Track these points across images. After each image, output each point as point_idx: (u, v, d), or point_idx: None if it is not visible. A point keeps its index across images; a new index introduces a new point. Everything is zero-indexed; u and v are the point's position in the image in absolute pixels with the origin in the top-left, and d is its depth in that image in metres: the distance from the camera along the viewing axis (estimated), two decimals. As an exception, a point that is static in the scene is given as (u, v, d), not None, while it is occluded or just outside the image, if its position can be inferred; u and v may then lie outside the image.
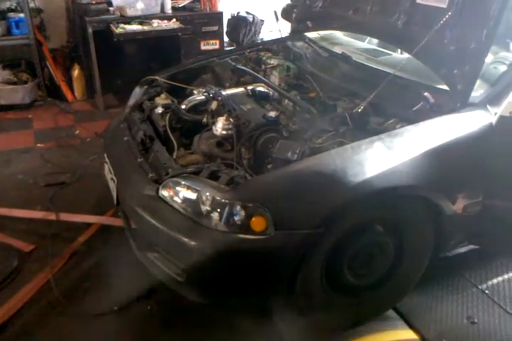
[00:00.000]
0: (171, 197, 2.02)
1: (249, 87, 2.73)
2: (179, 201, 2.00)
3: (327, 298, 2.12)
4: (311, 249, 1.91)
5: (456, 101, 2.17)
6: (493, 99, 2.20)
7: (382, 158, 1.99)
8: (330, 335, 2.19)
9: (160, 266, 2.04)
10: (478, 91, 2.23)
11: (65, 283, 2.50)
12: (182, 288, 2.01)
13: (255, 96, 2.69)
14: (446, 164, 2.09)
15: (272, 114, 2.31)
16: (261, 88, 2.74)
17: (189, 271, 1.92)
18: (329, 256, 2.01)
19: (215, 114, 2.48)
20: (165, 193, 2.05)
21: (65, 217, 2.94)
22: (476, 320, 2.29)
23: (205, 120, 2.50)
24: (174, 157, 2.28)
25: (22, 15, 4.55)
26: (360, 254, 2.11)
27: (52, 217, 2.97)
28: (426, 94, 2.26)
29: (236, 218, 1.86)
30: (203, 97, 2.62)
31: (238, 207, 1.85)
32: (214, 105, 2.52)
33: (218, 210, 1.88)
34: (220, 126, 2.32)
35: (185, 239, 1.88)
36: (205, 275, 1.94)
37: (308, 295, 2.05)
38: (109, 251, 2.71)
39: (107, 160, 2.57)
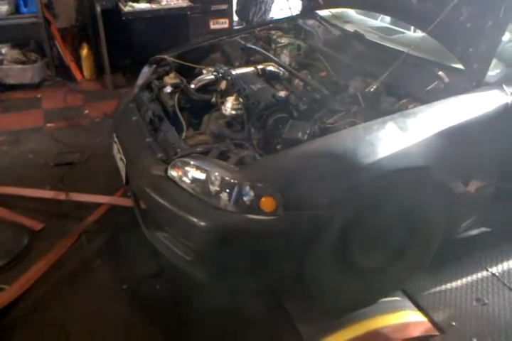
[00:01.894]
0: (180, 177, 2.01)
1: (259, 67, 2.69)
2: (188, 181, 1.98)
3: (337, 279, 2.11)
4: (321, 230, 1.89)
5: (472, 81, 2.12)
6: (509, 79, 2.15)
7: (394, 138, 1.95)
8: (339, 316, 2.19)
9: (169, 245, 2.04)
10: (494, 71, 2.18)
11: (75, 261, 2.51)
12: (190, 268, 2.01)
13: (265, 75, 2.65)
14: (460, 145, 2.05)
15: (282, 93, 2.27)
16: (271, 67, 2.70)
17: (198, 251, 1.92)
18: (339, 236, 1.99)
19: (224, 94, 2.45)
20: (174, 173, 2.03)
21: (75, 196, 2.94)
22: (486, 301, 2.28)
23: (214, 100, 2.48)
24: (183, 137, 2.26)
25: (30, -7, 4.50)
26: (371, 235, 2.09)
27: (62, 196, 2.97)
28: (440, 73, 2.21)
29: (245, 198, 1.84)
30: (213, 77, 2.59)
31: (247, 188, 1.83)
32: (223, 84, 2.49)
33: (227, 190, 1.86)
34: (229, 106, 2.29)
35: (194, 219, 1.87)
36: (214, 256, 1.93)
37: (317, 277, 2.04)
38: (118, 230, 2.72)
39: (116, 140, 2.55)
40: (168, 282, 2.38)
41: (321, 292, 2.11)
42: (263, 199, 1.82)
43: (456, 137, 2.04)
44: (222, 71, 2.54)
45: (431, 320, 2.19)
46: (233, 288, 2.11)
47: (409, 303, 2.27)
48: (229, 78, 2.47)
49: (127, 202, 2.71)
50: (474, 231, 2.42)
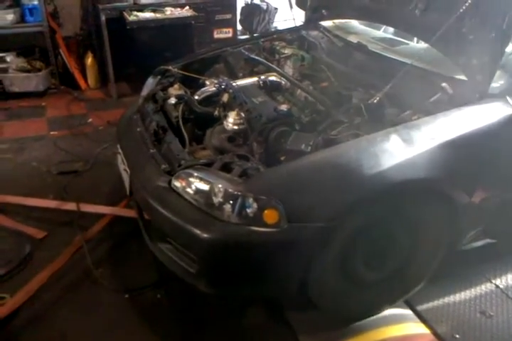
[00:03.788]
0: (184, 189, 2.01)
1: (262, 77, 2.69)
2: (192, 192, 1.98)
3: (340, 290, 2.10)
4: (324, 242, 1.89)
5: (475, 92, 2.13)
6: (513, 91, 2.15)
7: (398, 150, 1.95)
8: (341, 327, 2.18)
9: (172, 256, 2.03)
10: (498, 82, 2.18)
11: (77, 270, 2.51)
12: (193, 279, 2.00)
13: (267, 87, 2.66)
14: (464, 157, 2.05)
15: (284, 107, 2.28)
16: (273, 78, 2.70)
17: (201, 262, 1.91)
18: (343, 248, 1.98)
19: (226, 107, 2.45)
20: (177, 184, 2.03)
21: (79, 207, 2.94)
22: (491, 313, 2.27)
23: (216, 113, 2.48)
24: (186, 151, 2.26)
25: (36, 2, 4.53)
26: (375, 247, 2.09)
27: (66, 206, 2.98)
28: (444, 84, 2.21)
29: (248, 210, 1.84)
30: (215, 89, 2.60)
31: (251, 200, 1.83)
32: (225, 97, 2.50)
33: (231, 202, 1.86)
34: (231, 121, 2.30)
35: (198, 231, 1.87)
36: (217, 267, 1.93)
37: (321, 288, 2.04)
38: (121, 240, 2.73)
39: (120, 150, 2.56)
40: (169, 292, 2.38)
41: (324, 303, 2.10)
42: (266, 211, 1.82)
43: (460, 148, 2.03)
44: (223, 84, 2.55)
45: (434, 332, 2.18)
46: (236, 298, 2.10)
47: (412, 315, 2.26)
48: (230, 91, 2.48)
49: (131, 213, 2.71)
50: (479, 243, 2.41)
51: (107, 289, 2.38)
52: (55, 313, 2.28)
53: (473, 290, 2.40)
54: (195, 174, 2.00)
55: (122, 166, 2.48)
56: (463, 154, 2.05)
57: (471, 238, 2.33)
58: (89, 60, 4.98)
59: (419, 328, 2.20)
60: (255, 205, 1.83)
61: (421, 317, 2.25)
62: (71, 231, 2.74)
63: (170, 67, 2.88)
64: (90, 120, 4.32)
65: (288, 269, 1.91)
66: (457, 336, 2.16)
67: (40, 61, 4.86)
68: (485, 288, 2.42)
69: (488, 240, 2.44)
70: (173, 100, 2.57)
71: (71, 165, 3.48)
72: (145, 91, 2.81)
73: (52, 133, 4.08)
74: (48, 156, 3.66)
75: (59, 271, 2.48)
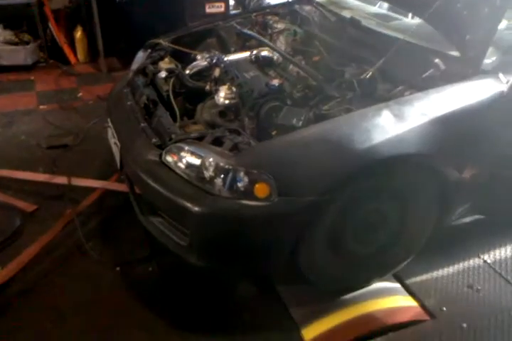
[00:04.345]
0: (175, 163, 2.01)
1: (254, 52, 2.67)
2: (183, 166, 1.98)
3: (330, 264, 2.13)
4: (315, 216, 1.90)
5: (468, 68, 2.12)
6: (505, 67, 2.14)
7: (389, 125, 1.95)
8: (331, 299, 2.21)
9: (163, 230, 2.05)
10: (490, 58, 2.17)
11: (68, 244, 2.52)
12: (184, 252, 2.02)
13: (259, 62, 2.63)
14: (455, 133, 2.06)
15: (275, 82, 2.27)
16: (265, 52, 2.67)
17: (192, 235, 1.92)
18: (333, 222, 2.00)
19: (218, 81, 2.44)
20: (168, 158, 2.03)
21: (70, 180, 2.92)
22: (478, 287, 2.31)
23: (208, 87, 2.47)
24: (177, 125, 2.25)
25: (23, -27, 4.43)
26: (365, 221, 2.11)
27: (56, 180, 2.97)
28: (436, 60, 2.20)
29: (239, 184, 1.84)
30: (206, 63, 2.57)
31: (242, 173, 1.84)
32: (217, 72, 2.48)
33: (222, 176, 1.86)
34: (222, 96, 2.29)
35: (189, 205, 1.87)
36: (208, 241, 1.94)
37: (311, 261, 2.06)
38: (112, 214, 2.73)
39: (110, 124, 2.54)
40: (161, 265, 2.39)
41: (314, 276, 2.13)
42: (257, 185, 1.83)
43: (451, 124, 2.04)
44: (215, 58, 2.53)
45: (422, 305, 2.21)
46: (226, 272, 2.13)
47: (400, 288, 2.30)
48: (222, 65, 2.45)
49: (122, 187, 2.70)
50: (468, 219, 2.44)
51: (98, 262, 2.39)
52: (46, 285, 2.29)
53: (461, 264, 2.44)
54: (186, 148, 2.00)
55: (113, 140, 2.46)
56: (454, 130, 2.05)
57: (460, 214, 2.35)
58: (78, 34, 4.90)
59: (408, 301, 2.24)
60: (246, 179, 1.83)
61: (409, 290, 2.28)
62: (62, 205, 2.74)
63: (160, 41, 2.85)
64: (80, 94, 4.27)
65: (278, 242, 1.93)
66: (444, 309, 2.20)
67: (28, 34, 4.77)
68: (473, 262, 2.46)
69: (476, 216, 2.47)
70: (163, 74, 2.55)
71: (61, 139, 3.45)
72: (135, 64, 2.78)
73: (41, 107, 4.03)
74: (38, 130, 3.63)
75: (50, 243, 2.49)
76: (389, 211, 2.15)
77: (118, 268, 2.37)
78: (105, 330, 2.08)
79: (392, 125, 1.96)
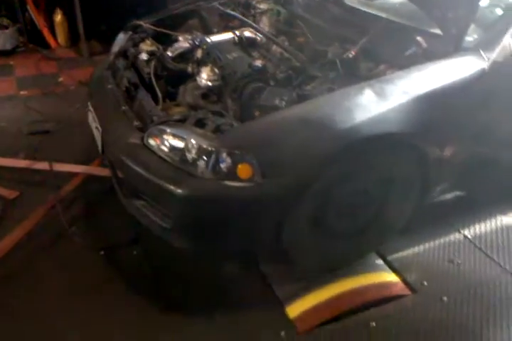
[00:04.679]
0: (157, 146, 1.99)
1: (237, 33, 2.64)
2: (165, 149, 1.97)
3: (313, 243, 2.14)
4: (297, 196, 1.90)
5: (449, 46, 2.12)
6: (486, 44, 2.14)
7: (371, 104, 1.95)
8: (314, 277, 2.23)
9: (146, 213, 2.03)
10: (471, 36, 2.17)
11: (51, 229, 2.49)
12: (168, 235, 2.02)
13: (242, 43, 2.61)
14: (437, 110, 2.06)
15: (258, 63, 2.25)
16: (248, 33, 2.65)
17: (175, 218, 1.92)
18: (316, 202, 2.01)
19: (200, 63, 2.41)
20: (151, 141, 2.01)
21: (52, 166, 2.89)
22: (459, 262, 2.35)
23: (190, 69, 2.44)
24: (159, 108, 2.23)
25: (-2, -46, 4.32)
26: (347, 200, 2.11)
27: (38, 165, 2.94)
28: (418, 38, 2.19)
29: (222, 165, 1.83)
30: (188, 45, 2.54)
31: (224, 155, 1.83)
32: (199, 53, 2.45)
33: (204, 158, 1.85)
34: (204, 77, 2.27)
35: (172, 187, 1.86)
36: (192, 223, 1.94)
37: (294, 241, 2.06)
38: (95, 199, 2.71)
39: (91, 108, 2.50)
40: (146, 248, 2.39)
41: (298, 255, 2.13)
42: (240, 166, 1.82)
43: (433, 102, 2.04)
44: (197, 39, 2.50)
45: (403, 280, 2.24)
46: (211, 253, 2.13)
47: (382, 265, 2.32)
48: (204, 47, 2.42)
49: (104, 172, 2.68)
50: (449, 195, 2.47)
51: (81, 247, 2.38)
52: (28, 271, 2.27)
53: (442, 240, 2.47)
54: (168, 130, 1.98)
55: (94, 124, 2.43)
56: (436, 108, 2.05)
57: (441, 191, 2.37)
58: (58, 17, 4.80)
59: (389, 277, 2.27)
60: (229, 160, 1.83)
61: (391, 266, 2.31)
62: (44, 191, 2.71)
63: (141, 23, 2.80)
64: (61, 79, 4.21)
65: (262, 223, 1.93)
66: (425, 283, 2.23)
67: (6, 18, 4.67)
68: (453, 237, 2.49)
69: (457, 193, 2.49)
70: (144, 56, 2.52)
71: (42, 125, 3.41)
72: (116, 47, 2.74)
73: (22, 92, 3.97)
74: (18, 116, 3.58)
75: (32, 230, 2.48)
76: (371, 190, 2.15)
77: (102, 252, 2.37)
78: (89, 313, 2.08)
79: (374, 104, 1.95)
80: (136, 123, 2.13)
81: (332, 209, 2.09)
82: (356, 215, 2.20)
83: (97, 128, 2.38)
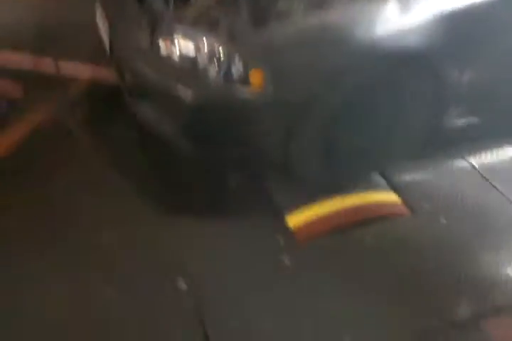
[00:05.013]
0: (167, 48, 1.92)
1: None
2: (175, 52, 1.90)
3: (320, 157, 2.12)
4: (309, 107, 1.86)
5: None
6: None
7: (393, 18, 1.87)
8: (317, 192, 2.24)
9: (154, 116, 2.01)
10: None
11: (57, 129, 2.49)
12: (175, 139, 2.00)
13: None
14: (460, 31, 1.98)
15: None
16: None
17: (183, 122, 1.90)
18: (327, 115, 1.97)
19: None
20: (161, 43, 1.94)
21: (58, 65, 2.85)
22: (463, 189, 2.34)
23: None
24: (171, 8, 2.12)
25: None
26: (358, 117, 2.07)
27: (43, 64, 2.89)
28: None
29: (234, 70, 1.79)
30: None
31: (237, 59, 1.77)
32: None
33: (216, 61, 1.80)
34: None
35: (182, 91, 1.82)
36: (200, 128, 1.92)
37: (301, 153, 2.05)
38: (101, 101, 2.69)
39: (99, 6, 2.39)
40: (149, 154, 2.39)
41: (303, 167, 2.13)
42: (251, 72, 1.78)
43: (457, 22, 1.95)
44: None
45: (404, 201, 2.26)
46: (215, 160, 2.12)
47: (385, 184, 2.33)
48: None
49: (110, 75, 2.61)
50: (461, 122, 2.41)
51: (86, 146, 2.39)
52: (34, 168, 2.29)
53: (447, 166, 2.46)
54: (179, 32, 1.91)
55: (102, 24, 2.34)
56: (460, 28, 1.97)
57: (455, 115, 2.32)
58: None
59: (391, 197, 2.28)
60: (241, 65, 1.77)
61: (394, 187, 2.32)
62: (50, 91, 2.67)
63: None
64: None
65: (270, 131, 1.91)
66: (426, 206, 2.25)
67: None
68: (459, 165, 2.47)
69: (470, 120, 2.44)
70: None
71: (49, 26, 3.27)
72: None
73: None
74: (25, 16, 3.42)
75: (37, 129, 2.47)
76: (384, 105, 2.09)
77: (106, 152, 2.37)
78: (94, 210, 2.11)
79: (397, 18, 1.87)
80: (146, 24, 2.04)
81: (342, 124, 2.05)
82: (366, 132, 2.15)
83: (104, 28, 2.29)
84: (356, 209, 2.20)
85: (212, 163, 2.29)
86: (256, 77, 1.77)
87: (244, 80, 1.78)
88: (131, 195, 2.20)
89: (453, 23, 1.94)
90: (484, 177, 2.42)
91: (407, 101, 2.11)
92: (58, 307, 1.76)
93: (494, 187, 2.38)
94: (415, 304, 1.84)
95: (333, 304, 1.82)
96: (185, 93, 1.82)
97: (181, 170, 2.33)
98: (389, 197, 2.29)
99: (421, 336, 1.74)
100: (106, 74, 2.74)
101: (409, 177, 2.39)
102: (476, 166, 2.48)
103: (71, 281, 1.85)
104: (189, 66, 1.85)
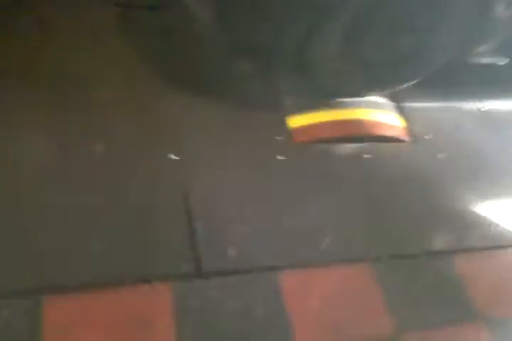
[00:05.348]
0: None
1: None
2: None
3: (339, 62, 2.00)
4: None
5: None
6: None
7: None
8: (325, 99, 2.18)
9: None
10: None
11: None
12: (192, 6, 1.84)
13: None
14: None
15: None
16: None
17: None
18: (356, 14, 1.82)
19: None
20: None
21: None
22: (468, 128, 2.31)
23: None
24: None
25: None
26: (389, 24, 1.91)
27: None
28: None
29: None
30: None
31: None
32: None
33: None
34: None
35: None
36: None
37: (320, 53, 1.92)
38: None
39: None
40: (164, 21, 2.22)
41: (318, 69, 2.01)
42: None
43: None
44: None
45: (408, 127, 2.22)
46: (230, 42, 1.98)
47: (394, 107, 2.28)
48: None
49: None
50: (487, 59, 2.31)
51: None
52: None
53: (457, 104, 2.41)
54: None
55: None
56: None
57: (481, 51, 2.21)
58: None
59: (397, 120, 2.24)
60: None
61: (402, 112, 2.27)
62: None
63: None
64: None
65: (294, 22, 1.76)
66: (427, 137, 2.21)
67: None
68: (468, 106, 2.42)
69: (496, 60, 2.34)
70: None
71: None
72: None
73: None
74: None
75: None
76: (419, 16, 1.93)
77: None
78: (95, 68, 2.00)
79: None
80: None
81: (370, 28, 1.90)
82: (392, 44, 2.01)
83: None
84: (360, 123, 2.15)
85: (225, 44, 2.12)
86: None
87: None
88: (137, 58, 2.09)
89: None
90: (491, 124, 2.38)
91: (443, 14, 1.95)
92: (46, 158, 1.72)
93: (498, 135, 2.35)
94: (386, 228, 1.85)
95: (311, 201, 1.83)
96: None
97: (191, 40, 2.18)
98: (395, 119, 2.24)
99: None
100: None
101: (419, 106, 2.33)
102: (486, 110, 2.43)
103: (59, 134, 1.80)
104: None
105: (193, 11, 1.88)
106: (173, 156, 1.81)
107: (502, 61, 2.32)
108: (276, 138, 2.00)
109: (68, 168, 1.72)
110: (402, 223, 1.89)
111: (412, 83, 2.22)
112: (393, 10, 1.88)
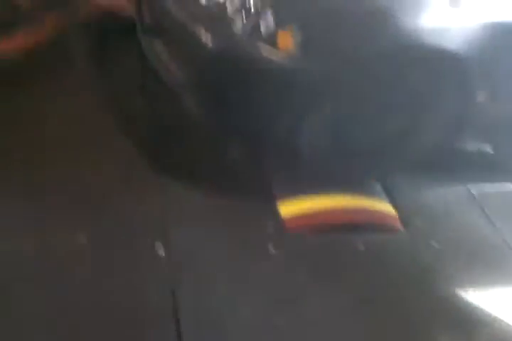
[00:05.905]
0: None
1: None
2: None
3: (327, 150, 2.01)
4: (331, 86, 1.74)
5: None
6: None
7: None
8: (315, 186, 2.11)
9: (167, 59, 1.87)
10: None
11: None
12: (184, 89, 1.88)
13: None
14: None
15: None
16: None
17: (199, 69, 1.76)
18: (347, 103, 1.85)
19: None
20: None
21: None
22: (458, 215, 2.26)
23: None
24: None
25: None
26: (375, 113, 1.94)
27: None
28: None
29: (262, 26, 1.64)
30: None
31: (269, 15, 1.64)
32: None
33: (245, 12, 1.66)
34: None
35: (204, 35, 1.69)
36: (214, 78, 1.75)
37: (310, 139, 1.93)
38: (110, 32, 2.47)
39: None
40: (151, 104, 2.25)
41: (309, 154, 2.00)
42: (281, 32, 1.63)
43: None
44: None
45: (399, 216, 2.15)
46: (219, 123, 1.98)
47: (384, 195, 2.23)
48: None
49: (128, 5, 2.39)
50: (472, 147, 2.35)
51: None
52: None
53: (448, 190, 2.38)
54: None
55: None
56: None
57: (467, 139, 2.26)
58: None
59: (388, 208, 2.18)
60: (272, 22, 1.64)
61: (392, 199, 2.22)
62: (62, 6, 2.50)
63: None
64: None
65: (285, 102, 1.76)
66: (419, 224, 2.13)
67: None
68: (459, 191, 2.38)
69: (481, 147, 2.34)
70: None
71: None
72: None
73: None
74: None
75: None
76: (407, 107, 1.98)
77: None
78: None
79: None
80: None
81: (353, 118, 1.92)
82: (380, 131, 2.03)
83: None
84: (352, 211, 2.12)
85: (215, 125, 2.11)
86: (284, 40, 1.63)
87: (272, 39, 1.64)
88: (126, 141, 2.07)
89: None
90: (481, 207, 2.33)
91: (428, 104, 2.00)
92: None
93: (489, 218, 2.29)
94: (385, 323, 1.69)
95: (305, 295, 1.71)
96: (207, 38, 1.67)
97: (182, 127, 2.18)
98: (386, 206, 2.19)
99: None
100: (124, 4, 2.52)
101: (409, 193, 2.29)
102: (475, 195, 2.39)
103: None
104: (217, 11, 1.71)
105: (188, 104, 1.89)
106: (160, 251, 1.70)
107: (488, 148, 2.34)
108: (268, 227, 1.92)
109: (45, 262, 1.59)
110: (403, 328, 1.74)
111: (401, 170, 2.22)
112: (376, 100, 1.92)
